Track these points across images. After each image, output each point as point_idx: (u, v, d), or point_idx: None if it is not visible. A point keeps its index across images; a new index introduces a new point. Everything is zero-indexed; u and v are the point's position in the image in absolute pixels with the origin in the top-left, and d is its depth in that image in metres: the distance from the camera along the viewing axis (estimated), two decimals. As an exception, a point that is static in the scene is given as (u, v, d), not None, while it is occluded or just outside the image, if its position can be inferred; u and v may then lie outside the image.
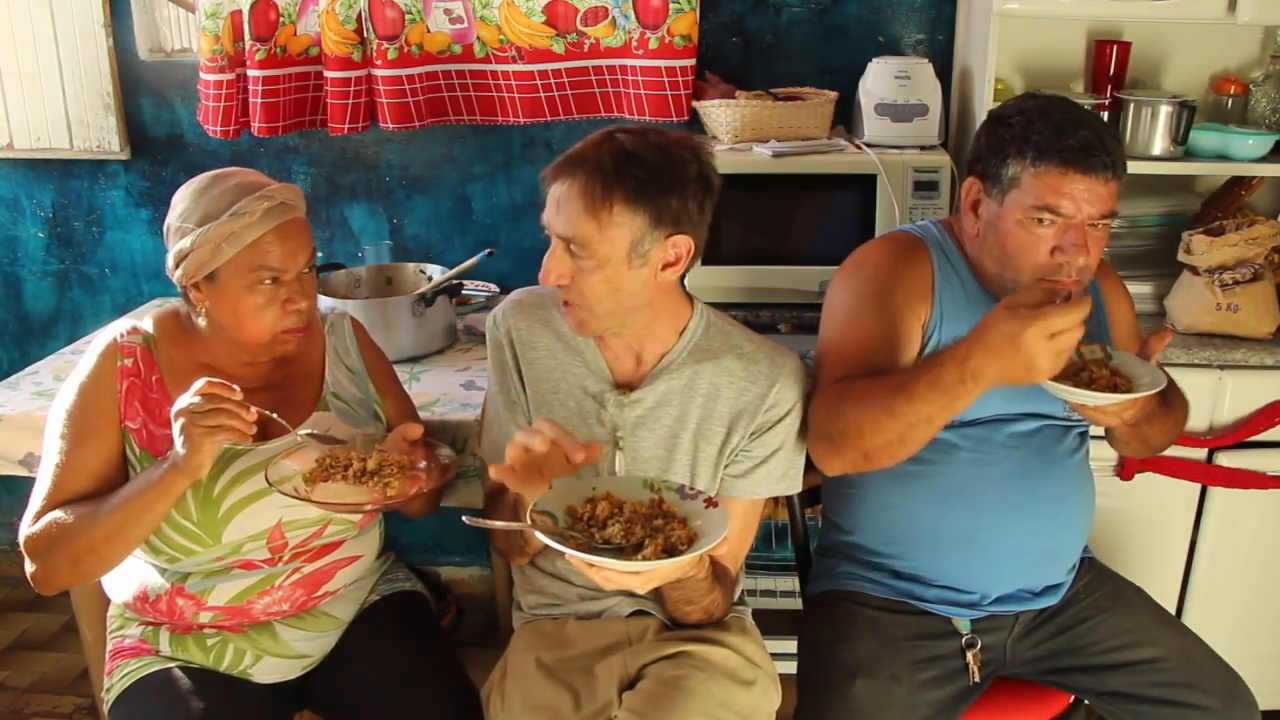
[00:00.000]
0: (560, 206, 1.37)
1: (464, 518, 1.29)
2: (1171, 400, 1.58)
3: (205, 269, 1.44)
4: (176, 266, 1.46)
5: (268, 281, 1.45)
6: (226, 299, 1.46)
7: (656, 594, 1.49)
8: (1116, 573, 1.73)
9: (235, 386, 1.36)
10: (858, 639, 1.58)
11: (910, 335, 1.55)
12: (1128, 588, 1.70)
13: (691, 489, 1.34)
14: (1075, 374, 1.43)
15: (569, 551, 1.19)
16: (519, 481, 1.29)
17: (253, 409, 1.36)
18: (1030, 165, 1.46)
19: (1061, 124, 1.46)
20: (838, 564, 1.71)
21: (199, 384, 1.36)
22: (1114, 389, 1.40)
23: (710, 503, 1.31)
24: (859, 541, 1.68)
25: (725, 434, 1.49)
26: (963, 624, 1.63)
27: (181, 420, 1.34)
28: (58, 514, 1.42)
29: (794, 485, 1.54)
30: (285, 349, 1.52)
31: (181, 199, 1.47)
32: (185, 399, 1.35)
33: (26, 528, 1.44)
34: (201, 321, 1.52)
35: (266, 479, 1.41)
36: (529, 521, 1.23)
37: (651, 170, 1.34)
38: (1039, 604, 1.65)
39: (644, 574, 1.22)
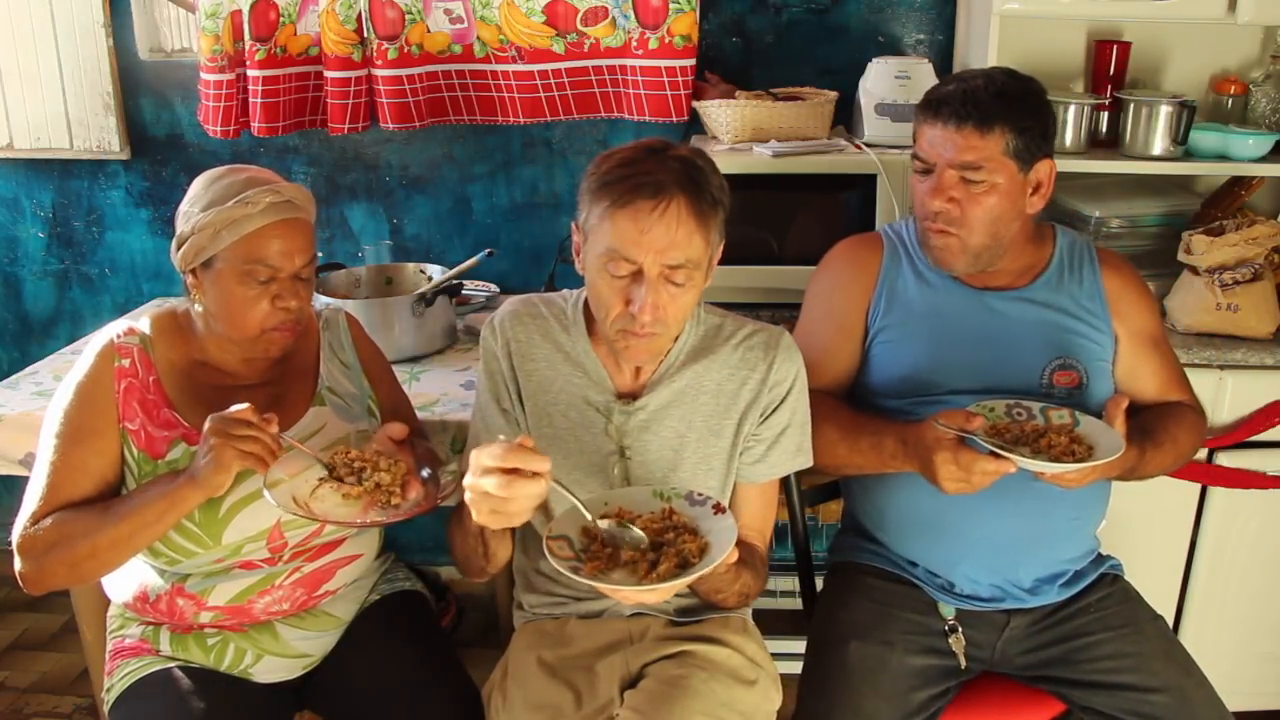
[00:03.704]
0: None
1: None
2: (1160, 439, 1.61)
3: (203, 254, 1.44)
4: (178, 250, 1.47)
5: (262, 277, 1.45)
6: (219, 288, 1.46)
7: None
8: (1141, 598, 1.69)
9: (275, 418, 1.38)
10: (855, 605, 1.65)
11: (853, 331, 1.71)
12: (1145, 614, 1.65)
13: (700, 495, 1.36)
14: (1035, 440, 1.49)
15: (586, 581, 1.22)
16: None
17: (283, 441, 1.39)
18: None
19: (947, 82, 1.60)
20: (847, 537, 1.79)
21: (240, 407, 1.37)
22: (1072, 455, 1.46)
23: (718, 509, 1.33)
24: (857, 515, 1.76)
25: (736, 425, 1.50)
26: (947, 610, 1.65)
27: (215, 438, 1.34)
28: (60, 516, 1.42)
29: (809, 459, 1.56)
30: (269, 348, 1.51)
31: (195, 185, 1.49)
32: (224, 416, 1.36)
33: (22, 528, 1.43)
34: (199, 308, 1.51)
35: (265, 490, 1.39)
36: (545, 549, 1.26)
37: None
38: (1031, 602, 1.63)
39: (660, 590, 1.24)
